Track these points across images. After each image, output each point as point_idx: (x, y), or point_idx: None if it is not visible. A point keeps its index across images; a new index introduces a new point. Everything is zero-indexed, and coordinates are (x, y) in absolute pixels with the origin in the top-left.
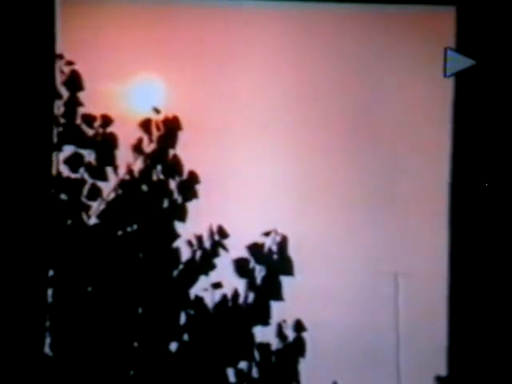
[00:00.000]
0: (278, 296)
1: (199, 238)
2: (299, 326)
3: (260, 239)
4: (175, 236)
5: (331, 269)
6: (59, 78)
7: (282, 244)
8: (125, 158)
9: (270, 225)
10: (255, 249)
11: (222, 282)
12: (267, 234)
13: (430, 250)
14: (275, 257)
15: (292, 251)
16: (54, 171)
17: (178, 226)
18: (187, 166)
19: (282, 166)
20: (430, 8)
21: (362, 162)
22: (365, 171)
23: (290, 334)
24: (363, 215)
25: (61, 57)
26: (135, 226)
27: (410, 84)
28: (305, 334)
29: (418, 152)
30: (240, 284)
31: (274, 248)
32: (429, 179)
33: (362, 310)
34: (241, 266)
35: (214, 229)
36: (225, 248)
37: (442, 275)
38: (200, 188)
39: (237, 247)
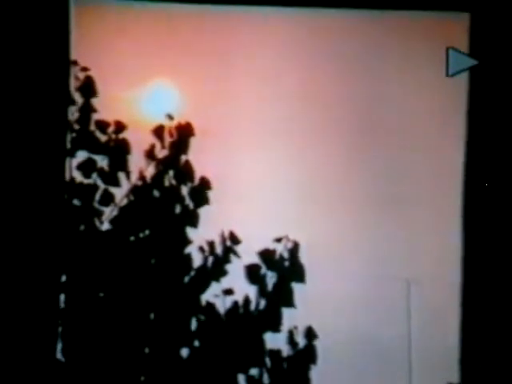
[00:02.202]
0: (290, 303)
1: (211, 244)
2: (310, 333)
3: (272, 245)
4: (187, 242)
5: (342, 274)
6: (73, 84)
7: (294, 250)
8: (137, 163)
9: (281, 230)
10: (267, 255)
11: (234, 288)
12: (279, 240)
13: (442, 254)
14: (287, 263)
15: (303, 257)
16: (67, 176)
17: (190, 232)
18: (199, 172)
19: (293, 169)
20: (444, 15)
21: (372, 164)
22: (375, 174)
23: (301, 341)
24: (373, 219)
25: (75, 63)
26: (147, 232)
27: (423, 89)
28: (316, 341)
29: (430, 154)
30: (251, 290)
31: (286, 254)
32: (441, 181)
33: (373, 316)
34: (252, 273)
35: (226, 235)
36: (236, 254)
37: (453, 280)
38: (212, 194)
39: (248, 253)
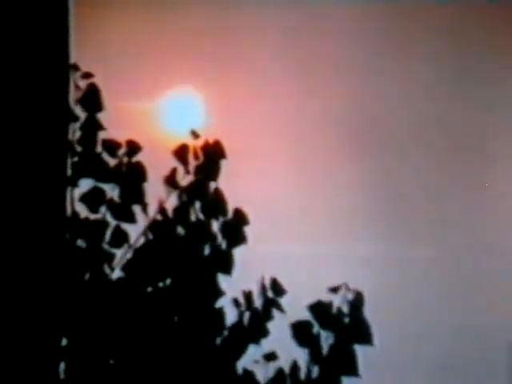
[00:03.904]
0: (352, 370)
1: (248, 296)
2: None
3: (326, 296)
4: (218, 293)
5: (419, 332)
6: (74, 95)
7: (356, 303)
8: (156, 193)
9: (338, 276)
10: (320, 309)
11: (277, 352)
12: (335, 289)
13: None
14: (346, 319)
15: (368, 311)
16: (68, 211)
17: (222, 280)
18: (232, 203)
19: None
20: None
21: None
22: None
23: None
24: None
25: (76, 68)
26: (169, 281)
27: None
28: None
29: None
30: (300, 355)
31: (345, 308)
32: None
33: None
34: (301, 332)
35: (267, 283)
36: (280, 308)
37: None
38: (248, 230)
39: (295, 307)
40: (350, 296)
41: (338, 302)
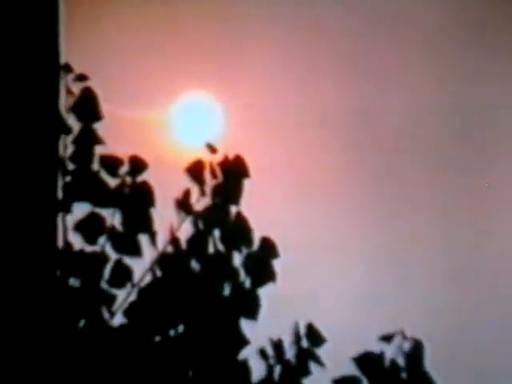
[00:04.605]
0: None
1: (278, 345)
2: None
3: (376, 346)
4: (242, 342)
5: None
6: (65, 101)
7: (415, 353)
8: (165, 220)
9: (391, 321)
10: (369, 361)
11: None
12: (388, 337)
13: None
14: (403, 374)
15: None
16: (59, 242)
17: (246, 326)
18: (258, 231)
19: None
20: None
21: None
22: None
23: None
24: None
25: (67, 68)
26: (181, 329)
27: None
28: None
29: None
30: None
31: (401, 360)
32: None
33: None
34: None
35: (301, 329)
36: (319, 361)
37: None
38: (278, 264)
39: (338, 359)
40: (407, 345)
41: (392, 352)
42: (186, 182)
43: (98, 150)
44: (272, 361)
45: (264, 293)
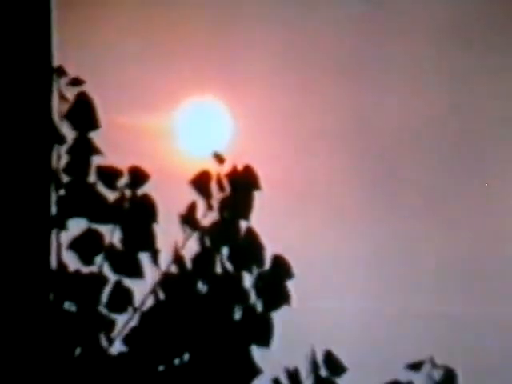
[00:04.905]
0: None
1: (293, 375)
2: None
3: (403, 374)
4: (254, 371)
5: None
6: (59, 108)
7: (446, 383)
8: (169, 236)
9: (419, 348)
10: None
11: None
12: (416, 365)
13: None
14: None
15: None
16: (53, 263)
17: (258, 354)
18: (270, 249)
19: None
20: None
21: None
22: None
23: None
24: None
25: (61, 72)
26: (187, 357)
27: None
28: None
29: None
30: None
31: None
32: None
33: None
34: None
35: (319, 357)
36: None
37: None
38: (293, 285)
39: None
40: (438, 374)
41: (421, 382)
42: (192, 195)
43: (95, 161)
44: None
45: (277, 317)
